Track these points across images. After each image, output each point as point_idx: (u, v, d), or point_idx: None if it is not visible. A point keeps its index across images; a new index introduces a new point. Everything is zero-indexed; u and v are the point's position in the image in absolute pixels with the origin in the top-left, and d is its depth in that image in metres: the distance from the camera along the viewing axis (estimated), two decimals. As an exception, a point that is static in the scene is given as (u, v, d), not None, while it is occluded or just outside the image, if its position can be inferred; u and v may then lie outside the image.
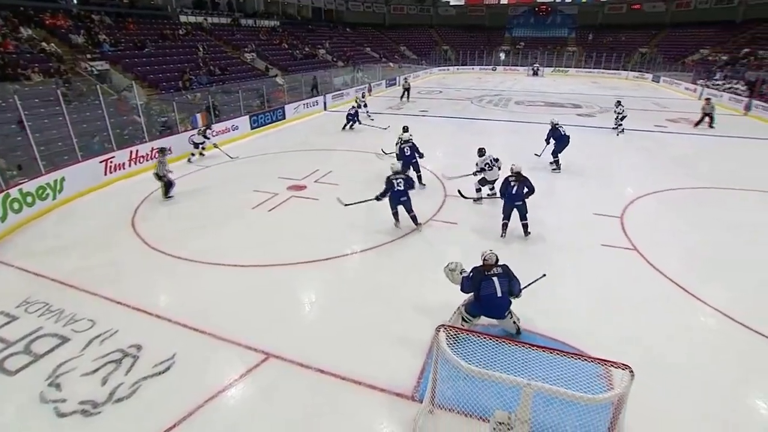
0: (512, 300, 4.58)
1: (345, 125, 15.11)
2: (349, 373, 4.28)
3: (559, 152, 10.53)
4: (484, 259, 4.59)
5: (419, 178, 9.40)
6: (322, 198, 8.90)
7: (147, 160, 10.94)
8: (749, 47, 28.68)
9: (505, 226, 7.08)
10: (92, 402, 4.01)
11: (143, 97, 13.49)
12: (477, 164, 8.48)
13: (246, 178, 10.30)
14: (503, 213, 7.10)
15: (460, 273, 4.69)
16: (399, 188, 7.08)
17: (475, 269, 4.59)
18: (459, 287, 4.63)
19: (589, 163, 11.19)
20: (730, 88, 22.84)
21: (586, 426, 3.30)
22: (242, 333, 4.83)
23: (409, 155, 9.19)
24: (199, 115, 13.49)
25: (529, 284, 4.91)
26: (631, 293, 5.66)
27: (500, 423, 2.89)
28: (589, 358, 3.08)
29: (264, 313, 5.25)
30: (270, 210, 8.40)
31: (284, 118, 16.79)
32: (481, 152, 8.58)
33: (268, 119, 15.89)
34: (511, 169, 7.04)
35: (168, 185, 8.94)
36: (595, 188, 9.49)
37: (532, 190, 6.90)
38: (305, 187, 9.45)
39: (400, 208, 7.30)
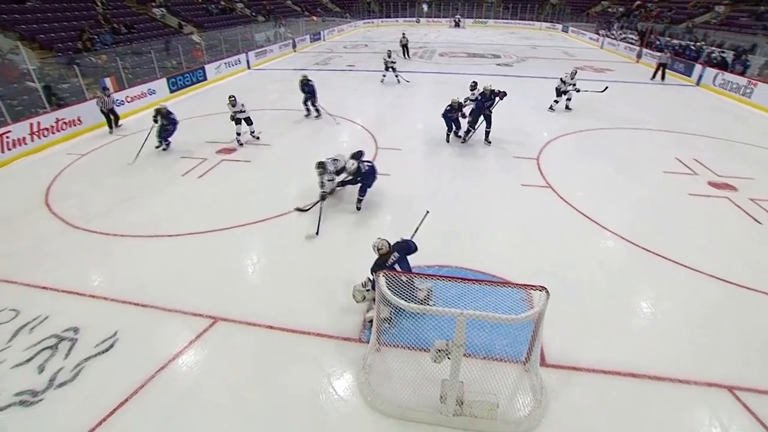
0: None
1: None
2: (297, 326, 4.33)
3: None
4: (378, 249, 4.22)
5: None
6: (254, 160, 8.49)
7: (52, 133, 9.61)
8: (640, 0, 30.56)
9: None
10: (31, 391, 3.72)
11: (35, 60, 11.58)
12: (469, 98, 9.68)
13: (171, 144, 9.48)
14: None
15: (366, 289, 4.41)
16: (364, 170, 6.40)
17: (375, 265, 4.23)
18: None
19: (510, 112, 11.60)
20: (625, 38, 24.41)
21: (512, 342, 3.69)
22: (186, 301, 4.66)
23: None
24: (108, 80, 11.92)
25: (417, 228, 4.96)
26: (547, 225, 6.19)
27: (439, 350, 3.11)
28: (512, 284, 3.37)
29: (206, 280, 5.06)
30: (200, 176, 7.87)
31: (205, 79, 15.39)
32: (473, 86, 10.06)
33: (188, 81, 14.47)
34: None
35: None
36: (515, 134, 9.94)
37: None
38: (235, 149, 8.91)
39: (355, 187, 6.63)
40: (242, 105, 8.96)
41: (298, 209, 6.57)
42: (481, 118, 9.14)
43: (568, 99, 11.70)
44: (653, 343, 4.18)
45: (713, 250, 5.62)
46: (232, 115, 8.96)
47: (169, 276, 5.14)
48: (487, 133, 9.23)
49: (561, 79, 11.56)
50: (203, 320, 4.40)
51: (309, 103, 11.08)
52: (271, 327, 4.32)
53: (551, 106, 11.86)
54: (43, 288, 4.96)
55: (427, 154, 8.83)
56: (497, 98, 8.87)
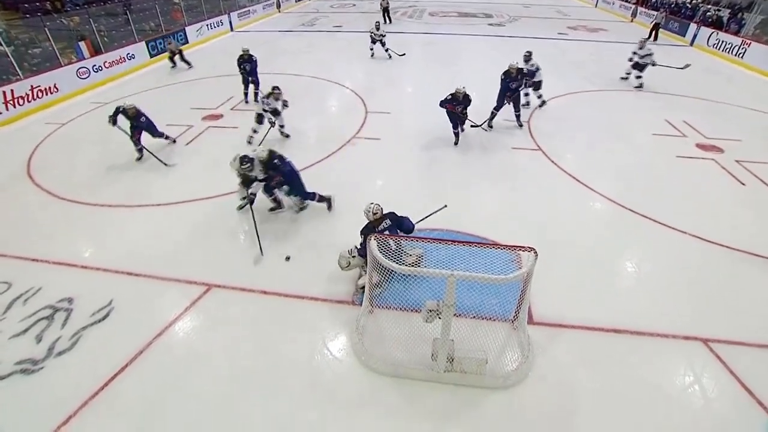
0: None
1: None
2: (291, 291, 4.40)
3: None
4: (374, 213, 4.17)
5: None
6: (241, 126, 8.30)
7: (27, 102, 9.24)
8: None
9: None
10: (30, 360, 3.78)
11: (0, 23, 10.96)
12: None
13: (155, 112, 9.12)
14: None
15: (352, 255, 4.36)
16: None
17: (366, 229, 4.21)
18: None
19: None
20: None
21: (501, 301, 3.80)
22: (179, 270, 4.68)
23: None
24: (82, 44, 11.37)
25: (429, 215, 4.94)
26: (536, 188, 6.24)
27: (430, 311, 3.20)
28: (501, 246, 3.43)
29: (199, 248, 5.07)
30: (187, 144, 7.72)
31: (187, 42, 14.76)
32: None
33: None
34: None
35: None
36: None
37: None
38: (221, 115, 8.69)
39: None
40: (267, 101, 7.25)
41: (241, 207, 5.75)
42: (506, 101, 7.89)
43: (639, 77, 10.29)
44: (636, 300, 4.35)
45: (697, 211, 5.74)
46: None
47: (160, 245, 5.13)
48: (518, 117, 8.15)
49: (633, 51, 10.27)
50: (197, 287, 4.45)
51: (251, 85, 9.23)
52: (264, 292, 4.38)
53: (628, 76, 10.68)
54: (34, 260, 4.93)
55: (418, 117, 8.72)
56: (525, 79, 7.83)
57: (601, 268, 4.78)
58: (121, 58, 11.89)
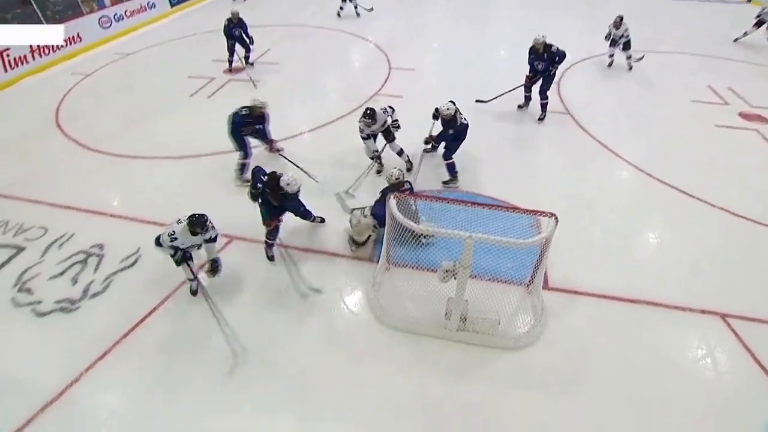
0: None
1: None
2: (309, 245, 4.53)
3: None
4: (396, 178, 4.22)
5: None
6: (262, 79, 8.21)
7: (53, 51, 9.30)
8: None
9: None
10: (69, 299, 4.06)
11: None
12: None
13: (177, 63, 9.14)
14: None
15: (364, 214, 4.40)
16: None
17: (385, 189, 4.25)
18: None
19: (534, 30, 10.71)
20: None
21: (518, 265, 3.82)
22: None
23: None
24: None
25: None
26: (562, 153, 6.07)
27: (446, 271, 3.25)
28: (522, 210, 3.40)
29: (221, 200, 5.17)
30: (209, 96, 7.72)
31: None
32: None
33: (189, -6, 13.52)
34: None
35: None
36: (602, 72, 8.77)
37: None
38: (243, 69, 8.58)
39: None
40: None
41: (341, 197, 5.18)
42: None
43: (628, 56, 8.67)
44: (655, 272, 4.29)
45: (730, 183, 5.48)
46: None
47: (185, 196, 5.25)
48: (543, 106, 6.72)
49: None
50: (220, 239, 4.58)
51: (238, 51, 8.35)
52: (283, 245, 4.50)
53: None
54: (66, 207, 5.16)
55: (442, 74, 8.42)
56: (557, 59, 6.25)
57: (622, 237, 4.70)
58: (142, 7, 11.71)
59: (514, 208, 3.55)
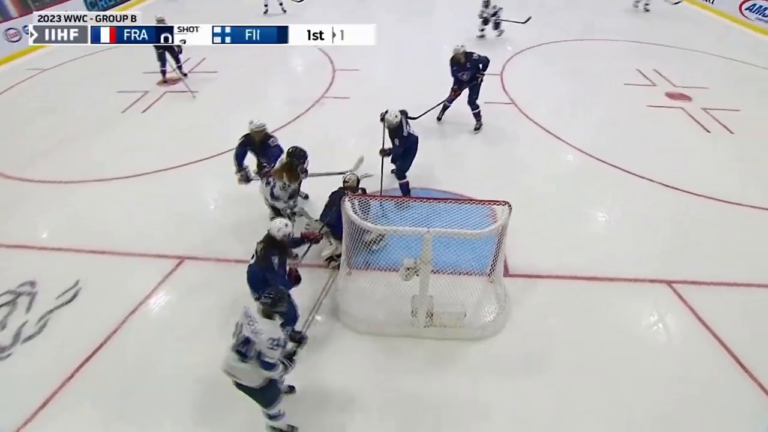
0: None
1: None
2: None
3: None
4: (345, 181, 4.15)
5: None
6: (201, 89, 7.91)
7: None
8: None
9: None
10: (-3, 347, 3.69)
11: None
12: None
13: (103, 78, 8.61)
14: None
15: (315, 220, 4.31)
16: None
17: (333, 194, 4.18)
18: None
19: (468, 24, 11.03)
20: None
21: (478, 256, 3.92)
22: (147, 244, 4.59)
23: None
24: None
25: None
26: (510, 142, 6.33)
27: (408, 268, 3.29)
28: (476, 201, 3.51)
29: (166, 220, 4.94)
30: (143, 111, 7.33)
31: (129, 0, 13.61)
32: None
33: (110, 0, 12.75)
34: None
35: None
36: (478, 49, 9.48)
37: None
38: (178, 80, 8.22)
39: None
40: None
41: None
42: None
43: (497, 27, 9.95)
44: (607, 247, 4.57)
45: (666, 159, 5.93)
46: None
47: (125, 219, 4.99)
48: (476, 116, 6.48)
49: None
50: (169, 261, 4.38)
51: (169, 60, 7.88)
52: (238, 261, 4.35)
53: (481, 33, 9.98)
54: (-14, 244, 4.70)
55: (388, 73, 8.51)
56: (481, 67, 6.03)
57: (574, 218, 4.97)
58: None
59: (469, 200, 3.65)
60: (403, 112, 4.77)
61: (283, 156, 4.04)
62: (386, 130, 4.79)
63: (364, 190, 4.37)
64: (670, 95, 7.71)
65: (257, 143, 4.42)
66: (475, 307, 3.78)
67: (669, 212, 5.05)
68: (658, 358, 3.57)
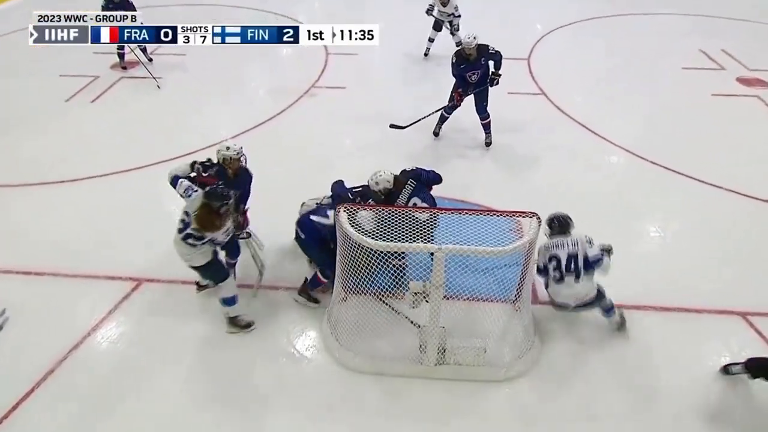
0: None
1: None
2: (242, 278, 4.41)
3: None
4: (375, 183, 4.10)
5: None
6: (167, 77, 8.16)
7: None
8: None
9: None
10: None
11: None
12: None
13: (41, 60, 8.80)
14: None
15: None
16: None
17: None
18: None
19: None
20: None
21: (500, 279, 4.04)
22: (96, 263, 4.71)
23: None
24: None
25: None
26: (539, 141, 6.50)
27: (416, 293, 3.38)
28: (498, 212, 3.63)
29: (120, 234, 5.09)
30: (93, 101, 7.58)
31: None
32: None
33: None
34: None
35: None
36: (500, 29, 9.43)
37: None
38: (138, 63, 8.47)
39: None
40: None
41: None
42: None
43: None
44: (661, 270, 4.64)
45: (736, 161, 6.05)
46: None
47: (66, 234, 5.11)
48: (486, 126, 6.37)
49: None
50: (123, 284, 4.51)
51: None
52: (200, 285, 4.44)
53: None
54: None
55: (390, 59, 8.74)
56: (496, 65, 5.96)
57: (620, 233, 4.92)
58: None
59: (489, 211, 3.78)
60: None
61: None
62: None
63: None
64: (743, 81, 7.83)
65: (231, 175, 4.17)
66: (498, 342, 3.87)
67: (742, 227, 5.13)
68: (732, 411, 3.53)
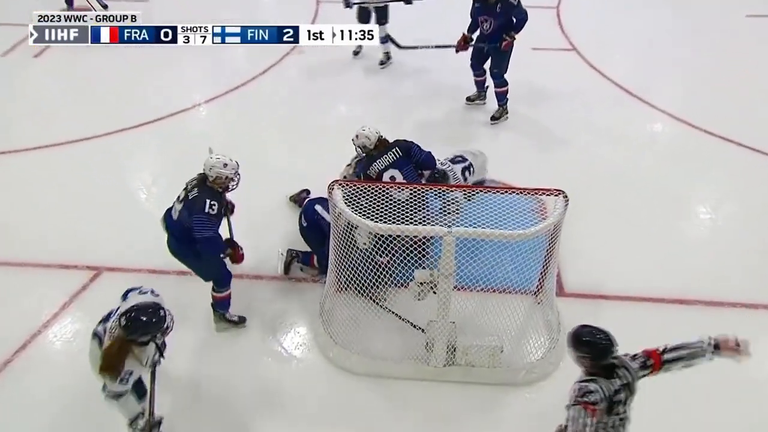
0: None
1: None
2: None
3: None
4: (362, 145, 4.34)
5: None
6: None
7: None
8: None
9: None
10: None
11: None
12: None
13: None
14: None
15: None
16: None
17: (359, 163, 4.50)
18: None
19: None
20: None
21: (520, 267, 4.06)
22: (49, 250, 4.74)
23: None
24: None
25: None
26: (569, 106, 6.48)
27: (422, 284, 3.43)
28: (518, 189, 3.65)
29: (77, 217, 5.10)
30: (37, 55, 7.48)
31: None
32: None
33: None
34: None
35: None
36: None
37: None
38: (88, 9, 8.31)
39: None
40: None
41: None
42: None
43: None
44: (709, 260, 4.65)
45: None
46: None
47: (11, 215, 5.12)
48: (499, 96, 6.24)
49: None
50: (80, 273, 4.53)
51: None
52: (180, 273, 4.48)
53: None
54: None
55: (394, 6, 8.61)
56: (515, 22, 5.72)
57: (662, 216, 5.06)
58: None
59: (508, 188, 3.79)
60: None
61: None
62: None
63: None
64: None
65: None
66: (516, 340, 3.92)
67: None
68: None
